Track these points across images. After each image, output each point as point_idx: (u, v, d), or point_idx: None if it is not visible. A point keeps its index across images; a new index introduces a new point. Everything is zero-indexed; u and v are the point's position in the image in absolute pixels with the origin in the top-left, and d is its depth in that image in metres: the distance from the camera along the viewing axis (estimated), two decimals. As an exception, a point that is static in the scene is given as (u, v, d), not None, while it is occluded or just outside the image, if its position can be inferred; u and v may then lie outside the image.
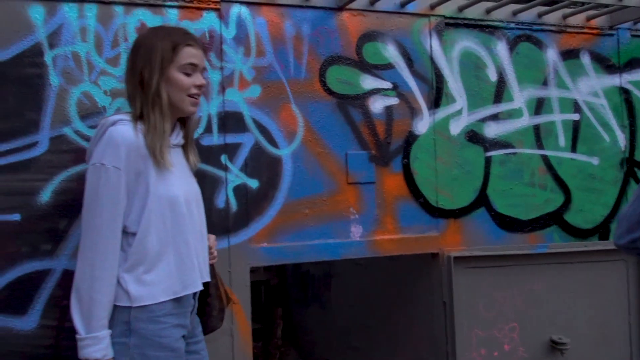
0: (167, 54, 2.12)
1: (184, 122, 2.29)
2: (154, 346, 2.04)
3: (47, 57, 2.53)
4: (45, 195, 2.51)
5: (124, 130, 2.07)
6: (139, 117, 2.13)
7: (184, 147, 2.30)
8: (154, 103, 2.11)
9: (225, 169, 2.77)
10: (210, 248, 2.36)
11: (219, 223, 2.75)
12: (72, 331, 2.48)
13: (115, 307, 2.06)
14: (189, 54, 2.15)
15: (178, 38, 2.16)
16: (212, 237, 2.43)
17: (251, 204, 2.81)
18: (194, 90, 2.17)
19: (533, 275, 3.25)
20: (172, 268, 2.12)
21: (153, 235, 2.09)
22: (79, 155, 2.55)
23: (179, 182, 2.17)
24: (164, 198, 2.10)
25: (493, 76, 3.28)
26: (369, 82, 3.04)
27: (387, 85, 3.07)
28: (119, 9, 2.64)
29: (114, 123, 2.09)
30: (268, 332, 5.24)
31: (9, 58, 2.48)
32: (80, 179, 2.54)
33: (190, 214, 2.20)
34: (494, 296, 3.18)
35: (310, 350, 5.14)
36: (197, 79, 2.18)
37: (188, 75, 2.16)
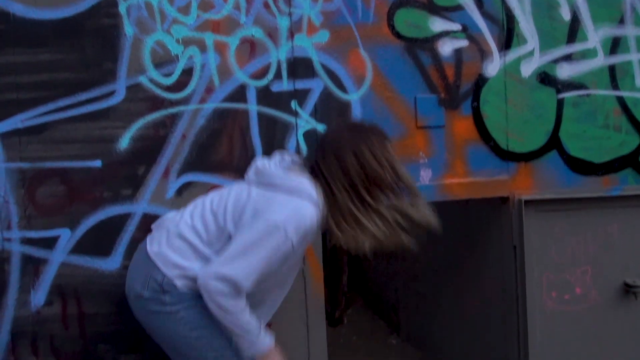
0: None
1: None
2: None
3: (122, 7, 2.59)
4: (124, 143, 2.61)
5: (314, 215, 2.15)
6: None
7: None
8: (370, 224, 2.18)
9: (295, 114, 2.80)
10: None
11: (290, 168, 2.80)
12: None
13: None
14: None
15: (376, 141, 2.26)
16: None
17: (321, 149, 2.84)
18: None
19: (606, 218, 3.19)
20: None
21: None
22: (155, 103, 2.63)
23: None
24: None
25: (566, 15, 3.17)
26: (438, 24, 2.99)
27: (456, 27, 3.02)
28: (188, -43, 2.67)
29: (310, 198, 2.15)
30: (334, 279, 5.33)
31: (86, 9, 2.56)
32: (157, 126, 2.63)
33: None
34: (566, 240, 3.15)
35: (376, 297, 5.21)
36: None
37: None
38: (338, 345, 4.56)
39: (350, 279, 5.43)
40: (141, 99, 2.62)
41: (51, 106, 2.53)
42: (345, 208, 2.18)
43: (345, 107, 2.88)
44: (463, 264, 3.65)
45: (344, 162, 2.19)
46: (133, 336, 2.62)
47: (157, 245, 2.27)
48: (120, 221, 2.61)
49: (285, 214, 2.10)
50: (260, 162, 2.34)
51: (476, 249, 3.48)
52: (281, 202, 2.14)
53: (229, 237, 2.17)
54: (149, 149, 2.63)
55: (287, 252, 2.14)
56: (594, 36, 3.21)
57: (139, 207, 2.63)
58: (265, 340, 2.19)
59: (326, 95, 2.84)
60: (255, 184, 2.27)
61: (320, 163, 2.25)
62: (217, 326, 2.19)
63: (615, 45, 3.25)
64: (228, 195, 2.27)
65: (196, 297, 2.18)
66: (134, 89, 2.61)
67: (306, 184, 2.19)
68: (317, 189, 2.19)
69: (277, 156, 2.37)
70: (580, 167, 3.21)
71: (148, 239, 2.34)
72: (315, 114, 2.83)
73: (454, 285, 3.80)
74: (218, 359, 2.19)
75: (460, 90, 3.03)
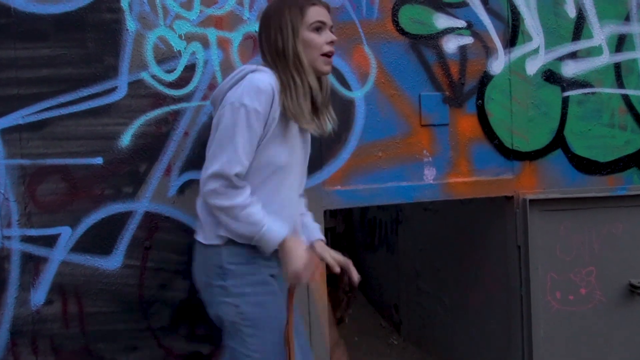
0: (296, 16, 2.17)
1: None
2: None
3: (124, 2, 2.55)
4: (126, 140, 2.57)
5: (265, 77, 2.11)
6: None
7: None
8: (296, 67, 2.16)
9: (298, 111, 2.76)
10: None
11: (293, 166, 2.76)
12: (154, 271, 2.59)
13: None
14: (316, 12, 2.19)
15: (303, 0, 2.20)
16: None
17: (324, 147, 2.81)
18: (327, 48, 2.21)
19: (611, 218, 3.17)
20: None
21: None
22: (157, 99, 2.60)
23: (292, 148, 2.25)
24: (274, 161, 2.18)
25: (572, 12, 3.14)
26: (442, 21, 2.97)
27: (461, 24, 2.99)
28: (191, -48, 2.63)
29: (254, 70, 2.15)
30: (335, 278, 5.29)
31: (87, 4, 2.51)
32: (159, 123, 2.59)
33: (291, 181, 2.28)
34: (571, 239, 3.13)
35: (378, 295, 5.19)
36: (328, 36, 2.21)
37: (318, 34, 2.19)
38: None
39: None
40: (143, 96, 2.58)
41: (52, 102, 2.49)
42: (280, 79, 2.16)
43: (348, 104, 2.85)
44: (466, 263, 3.62)
45: (263, 35, 2.23)
46: (133, 335, 2.60)
47: (200, 231, 2.27)
48: (121, 219, 2.58)
49: (238, 92, 2.10)
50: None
51: (480, 248, 3.46)
52: (232, 91, 2.15)
53: None
54: (150, 146, 2.60)
55: (261, 125, 2.10)
56: (600, 33, 3.19)
57: (141, 205, 2.59)
58: (276, 229, 2.13)
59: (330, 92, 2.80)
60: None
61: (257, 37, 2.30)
62: (275, 332, 2.19)
63: (620, 42, 3.23)
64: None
65: (256, 281, 2.18)
66: (136, 85, 2.57)
67: (246, 66, 2.21)
68: (261, 67, 2.19)
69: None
70: (585, 166, 3.19)
71: (196, 231, 2.33)
72: (319, 111, 2.79)
73: (457, 285, 3.78)
74: None
75: (465, 87, 3.01)
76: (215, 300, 2.20)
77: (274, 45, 2.18)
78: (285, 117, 2.16)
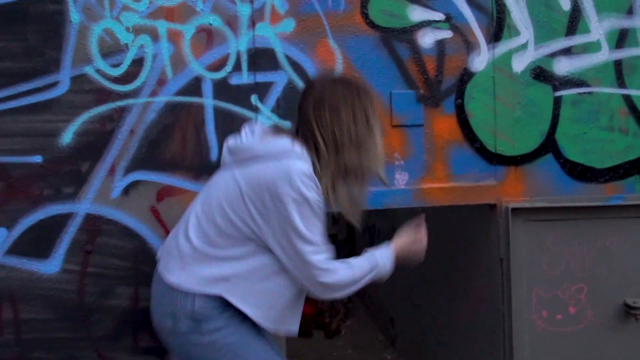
0: (371, 105, 2.14)
1: None
2: None
3: (66, -8, 2.42)
4: (67, 137, 2.45)
5: (309, 169, 2.02)
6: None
7: None
8: (357, 176, 2.11)
9: (255, 110, 2.58)
10: None
11: (250, 168, 2.59)
12: (96, 276, 2.46)
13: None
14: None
15: (369, 101, 2.14)
16: None
17: (284, 148, 2.62)
18: None
19: (606, 230, 2.86)
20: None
21: None
22: (101, 95, 2.46)
23: None
24: None
25: (566, 5, 2.86)
26: (417, 13, 2.73)
27: (438, 16, 2.75)
28: (138, -61, 2.48)
29: (295, 155, 2.02)
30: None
31: (28, -7, 2.40)
32: (103, 120, 2.46)
33: None
34: (559, 253, 2.84)
35: (377, 307, 4.95)
36: None
37: None
38: (332, 357, 4.33)
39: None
40: (87, 91, 2.45)
41: (-11, 97, 2.38)
42: (329, 167, 2.06)
43: (311, 102, 2.64)
44: (454, 276, 3.37)
45: (338, 118, 2.06)
46: (72, 345, 2.48)
47: (177, 273, 2.09)
48: (61, 221, 2.46)
49: (288, 183, 1.96)
50: (232, 141, 2.19)
51: (466, 260, 3.20)
52: (274, 173, 1.99)
53: (233, 234, 2.05)
54: (94, 144, 2.47)
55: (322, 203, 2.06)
56: (598, 28, 2.90)
57: (82, 206, 2.46)
58: (385, 262, 2.23)
59: (290, 89, 2.61)
60: (235, 165, 2.11)
61: (310, 116, 2.08)
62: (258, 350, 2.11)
63: (622, 38, 2.93)
64: (216, 192, 2.11)
65: (230, 315, 2.06)
66: (79, 80, 2.45)
67: (286, 143, 2.05)
68: (299, 145, 2.06)
69: (245, 129, 2.21)
70: (580, 172, 2.90)
71: (163, 269, 2.15)
72: (278, 109, 2.61)
73: (447, 298, 3.53)
74: None
75: (442, 85, 2.77)
76: (189, 342, 2.06)
77: (347, 133, 2.05)
78: None
